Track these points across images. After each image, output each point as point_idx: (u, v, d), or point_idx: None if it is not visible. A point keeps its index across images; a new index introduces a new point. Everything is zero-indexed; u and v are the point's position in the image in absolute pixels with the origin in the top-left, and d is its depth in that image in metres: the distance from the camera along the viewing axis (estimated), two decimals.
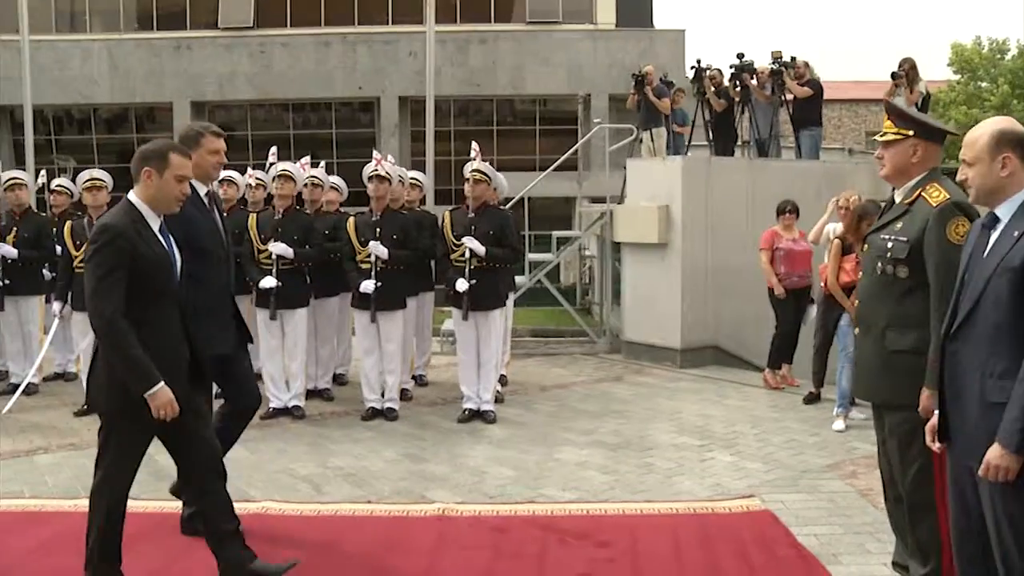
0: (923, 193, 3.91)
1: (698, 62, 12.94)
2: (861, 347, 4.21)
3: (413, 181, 8.89)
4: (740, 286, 10.26)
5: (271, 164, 8.30)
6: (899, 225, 3.97)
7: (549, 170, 13.14)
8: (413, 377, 9.04)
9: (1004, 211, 3.26)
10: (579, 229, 13.76)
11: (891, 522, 4.37)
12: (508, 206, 10.75)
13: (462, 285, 7.60)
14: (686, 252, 10.47)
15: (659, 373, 10.17)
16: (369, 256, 7.65)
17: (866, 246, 4.19)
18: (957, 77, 40.66)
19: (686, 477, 6.28)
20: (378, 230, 7.67)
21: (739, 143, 12.60)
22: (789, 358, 9.35)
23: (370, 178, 7.70)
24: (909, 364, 3.84)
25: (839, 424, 7.53)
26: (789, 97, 12.26)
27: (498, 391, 8.47)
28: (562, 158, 13.20)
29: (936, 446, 3.52)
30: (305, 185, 8.36)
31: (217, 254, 4.93)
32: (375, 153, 7.89)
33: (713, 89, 12.60)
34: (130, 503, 4.20)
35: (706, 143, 12.81)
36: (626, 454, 6.84)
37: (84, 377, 7.71)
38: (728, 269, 10.45)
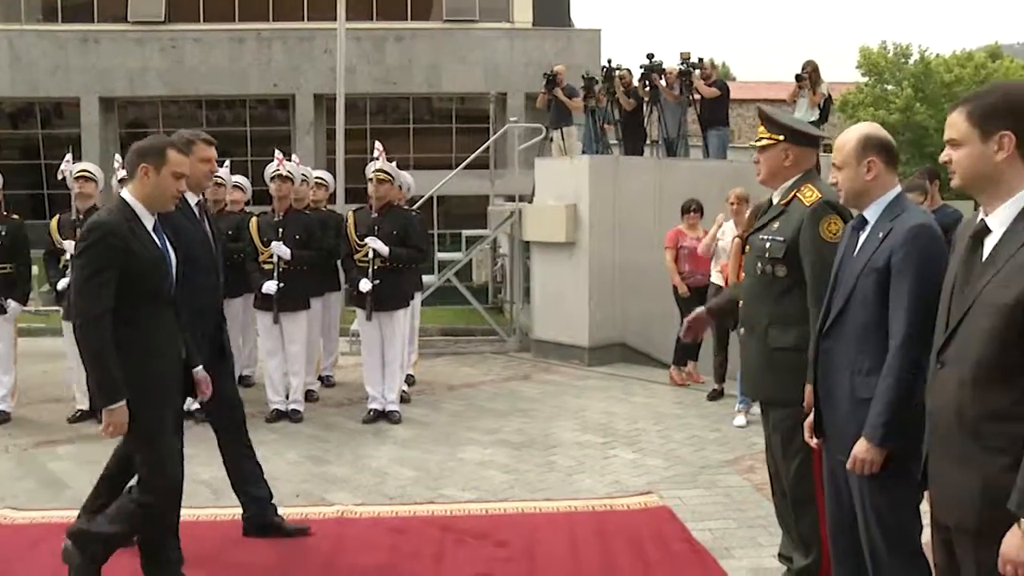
0: (798, 194, 4.01)
1: (609, 62, 13.05)
2: (746, 346, 4.30)
3: (319, 180, 8.80)
4: (647, 284, 10.37)
5: None
6: (776, 225, 4.06)
7: (458, 169, 13.10)
8: (320, 378, 8.96)
9: (871, 213, 3.37)
10: (491, 228, 13.76)
11: (777, 516, 4.47)
12: (417, 205, 10.71)
13: (365, 285, 7.55)
14: (594, 251, 10.54)
15: (567, 371, 10.23)
16: (271, 257, 7.55)
17: (747, 247, 4.27)
18: (865, 79, 41.83)
19: (587, 475, 6.33)
20: (281, 230, 7.57)
21: (648, 142, 12.73)
22: (694, 355, 9.48)
23: (272, 178, 7.60)
24: (790, 361, 3.92)
25: (740, 420, 7.66)
26: (697, 97, 12.41)
27: (405, 391, 8.43)
28: (471, 157, 13.19)
29: (813, 442, 3.62)
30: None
31: (205, 264, 4.80)
32: (277, 153, 7.78)
33: (623, 89, 12.71)
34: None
35: (616, 142, 12.93)
36: (529, 453, 6.87)
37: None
38: (635, 267, 10.56)
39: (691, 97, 12.24)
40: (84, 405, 7.43)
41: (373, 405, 7.78)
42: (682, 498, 5.80)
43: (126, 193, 4.04)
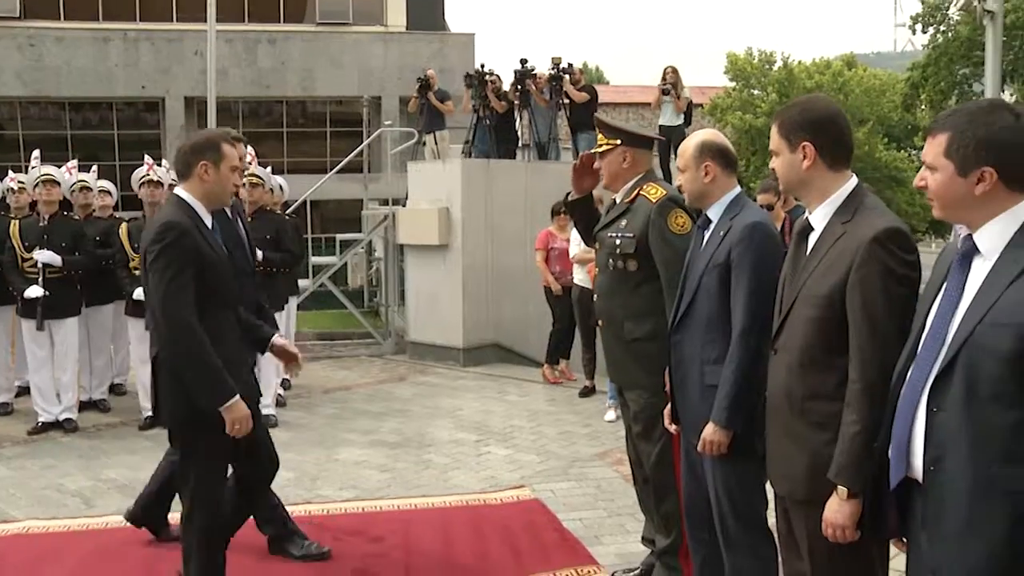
0: (641, 192, 4.22)
1: (481, 66, 13.23)
2: (605, 338, 4.47)
3: (103, 189, 8.63)
4: (520, 285, 10.59)
5: (33, 168, 7.90)
6: (623, 222, 4.24)
7: (332, 173, 13.09)
8: (111, 387, 8.80)
9: (714, 213, 3.65)
10: (365, 232, 13.78)
11: (640, 502, 4.68)
12: (291, 209, 10.66)
13: None
14: (467, 253, 10.70)
15: (442, 372, 10.37)
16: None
17: (598, 245, 4.46)
18: (733, 84, 43.22)
19: (462, 472, 6.47)
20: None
21: (520, 146, 12.95)
22: (567, 353, 9.73)
23: (142, 183, 7.48)
24: (647, 351, 4.13)
25: (610, 415, 7.90)
26: (566, 101, 12.68)
27: (280, 395, 8.41)
28: (344, 160, 13.19)
29: (673, 428, 3.85)
30: (72, 190, 8.03)
31: (243, 269, 4.65)
32: (146, 157, 7.67)
33: (494, 93, 12.90)
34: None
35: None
36: (405, 452, 6.97)
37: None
38: (508, 269, 10.76)
39: (561, 101, 12.50)
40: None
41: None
42: (554, 490, 6.00)
43: (184, 192, 3.87)
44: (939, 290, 2.40)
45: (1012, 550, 2.16)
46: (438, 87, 13.56)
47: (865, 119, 38.99)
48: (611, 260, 4.26)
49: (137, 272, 7.48)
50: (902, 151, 40.76)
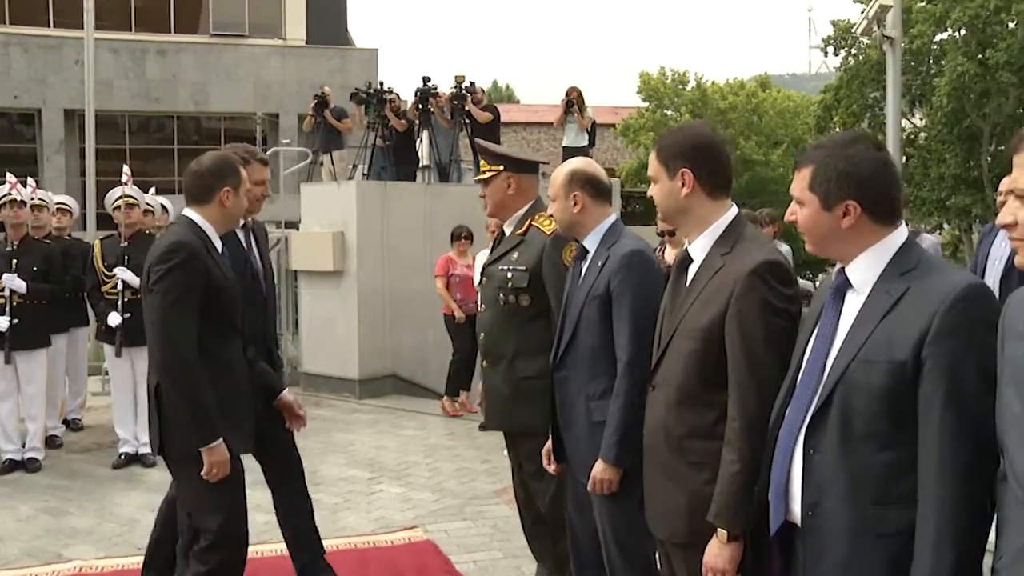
0: (534, 223, 4.24)
1: (381, 84, 13.21)
2: (490, 378, 4.40)
3: (60, 206, 8.44)
4: (419, 313, 10.54)
5: None
6: (515, 255, 4.24)
7: None
8: (65, 421, 8.57)
9: (590, 243, 3.70)
10: None
11: (530, 545, 4.68)
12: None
13: (114, 319, 7.31)
14: (362, 280, 10.61)
15: (337, 405, 10.23)
16: (3, 290, 7.17)
17: (484, 279, 4.43)
18: (646, 104, 43.94)
19: (352, 512, 6.38)
20: (15, 261, 7.20)
21: (420, 167, 12.93)
22: (467, 384, 9.70)
23: (2, 204, 7.24)
24: (539, 389, 4.08)
25: None
26: (467, 121, 12.71)
27: None
28: None
29: (552, 467, 3.86)
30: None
31: (252, 300, 4.46)
32: (9, 176, 7.42)
33: (393, 112, 12.86)
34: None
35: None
36: None
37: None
38: (406, 296, 10.71)
39: (463, 121, 12.54)
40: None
41: (125, 448, 7.51)
42: (448, 531, 5.96)
43: (194, 215, 3.82)
44: (815, 326, 2.46)
45: None
46: (335, 104, 13.46)
47: (780, 141, 39.95)
48: (501, 295, 4.25)
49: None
50: None
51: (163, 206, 8.52)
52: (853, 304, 2.36)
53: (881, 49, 10.44)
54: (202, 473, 3.66)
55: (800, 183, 2.43)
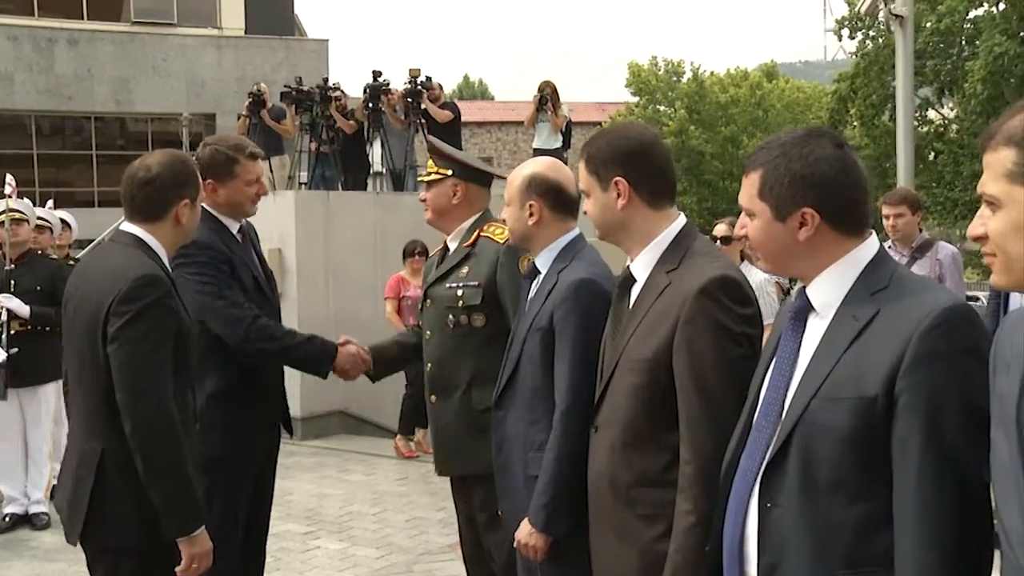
0: (483, 233, 4.15)
1: (324, 81, 13.17)
2: (440, 415, 4.25)
3: None
4: (369, 339, 10.37)
5: None
6: (464, 270, 4.14)
7: None
8: None
9: (542, 262, 3.59)
10: None
11: None
12: (87, 251, 10.33)
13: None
14: (303, 303, 10.53)
15: None
16: None
17: (428, 302, 4.30)
18: (636, 99, 44.19)
19: (282, 573, 6.28)
20: None
21: (371, 174, 12.88)
22: (423, 421, 9.59)
23: None
24: None
25: None
26: (423, 121, 12.67)
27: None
28: None
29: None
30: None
31: (264, 308, 4.37)
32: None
33: (340, 112, 12.81)
34: None
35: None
36: None
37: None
38: (354, 321, 10.56)
39: (419, 122, 12.47)
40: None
41: (11, 508, 7.35)
42: None
43: (143, 234, 3.44)
44: (773, 355, 2.38)
45: None
46: (274, 103, 13.39)
47: None
48: (451, 316, 4.13)
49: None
50: None
51: (64, 221, 8.42)
52: (815, 330, 2.28)
53: (888, 29, 10.45)
54: (178, 570, 3.29)
55: (748, 190, 2.35)
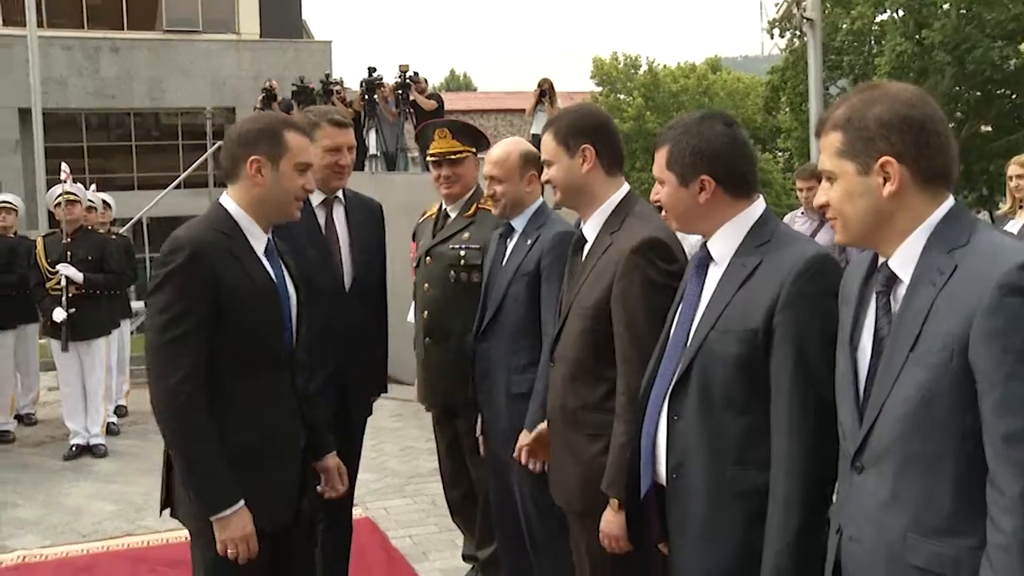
0: (481, 205, 4.24)
1: (327, 76, 13.23)
2: (433, 356, 4.32)
3: (5, 204, 8.39)
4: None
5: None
6: (466, 235, 4.22)
7: (168, 190, 12.88)
8: (18, 416, 8.53)
9: (518, 223, 3.74)
10: None
11: (459, 519, 4.77)
12: (126, 227, 10.44)
13: (59, 315, 7.30)
14: None
15: None
16: None
17: (428, 259, 4.34)
18: (599, 89, 44.00)
19: None
20: None
21: (368, 156, 12.97)
22: None
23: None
24: None
25: None
26: (412, 110, 12.78)
27: (113, 423, 8.22)
28: (181, 176, 12.98)
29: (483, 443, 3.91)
30: None
31: (334, 300, 3.72)
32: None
33: (340, 102, 12.89)
34: None
35: None
36: None
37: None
38: None
39: (408, 110, 12.57)
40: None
41: (75, 440, 7.53)
42: (388, 508, 6.04)
43: (225, 198, 2.83)
44: (681, 298, 2.54)
45: (747, 550, 2.28)
46: (283, 97, 13.45)
47: None
48: (453, 272, 4.20)
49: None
50: (767, 152, 42.16)
51: (105, 202, 8.52)
52: (714, 276, 2.43)
53: (801, 32, 10.62)
54: (217, 549, 2.65)
55: (659, 162, 2.49)
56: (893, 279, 1.95)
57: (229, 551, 2.63)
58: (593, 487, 2.76)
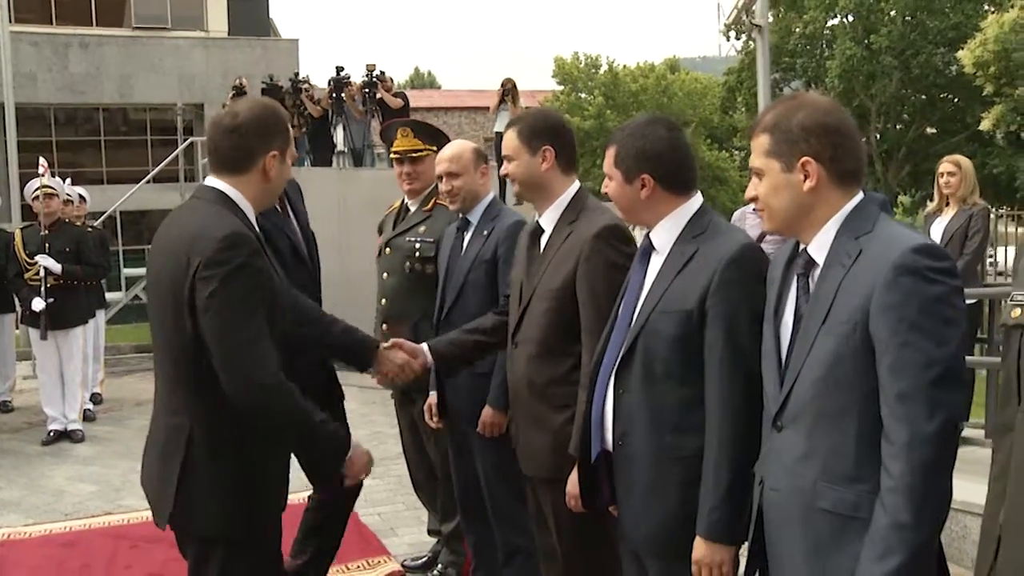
0: (439, 201, 4.37)
1: (295, 74, 13.32)
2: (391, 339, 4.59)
3: None
4: (333, 292, 10.61)
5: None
6: (423, 228, 4.39)
7: (140, 185, 12.93)
8: None
9: (474, 216, 3.95)
10: None
11: (422, 495, 4.96)
12: (100, 220, 10.51)
13: (38, 304, 7.42)
14: None
15: None
16: None
17: (388, 249, 4.54)
18: (561, 88, 44.19)
19: None
20: None
21: (336, 152, 13.10)
22: None
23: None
24: None
25: None
26: (377, 108, 12.92)
27: (89, 410, 8.33)
28: (154, 172, 13.03)
29: (434, 422, 4.11)
30: None
31: (302, 276, 3.92)
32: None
33: (309, 99, 13.01)
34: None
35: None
36: None
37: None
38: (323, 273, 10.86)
39: (375, 108, 12.72)
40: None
41: (53, 426, 7.64)
42: None
43: (227, 188, 2.68)
44: (627, 282, 2.77)
45: (684, 509, 2.51)
46: (252, 94, 13.53)
47: (688, 121, 40.49)
48: (408, 263, 4.36)
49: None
50: (724, 151, 42.58)
51: (81, 196, 8.62)
52: (655, 264, 2.67)
53: (750, 36, 10.91)
54: (346, 483, 2.89)
55: (608, 160, 2.73)
56: (811, 263, 2.20)
57: (362, 476, 2.95)
58: (561, 454, 2.97)
